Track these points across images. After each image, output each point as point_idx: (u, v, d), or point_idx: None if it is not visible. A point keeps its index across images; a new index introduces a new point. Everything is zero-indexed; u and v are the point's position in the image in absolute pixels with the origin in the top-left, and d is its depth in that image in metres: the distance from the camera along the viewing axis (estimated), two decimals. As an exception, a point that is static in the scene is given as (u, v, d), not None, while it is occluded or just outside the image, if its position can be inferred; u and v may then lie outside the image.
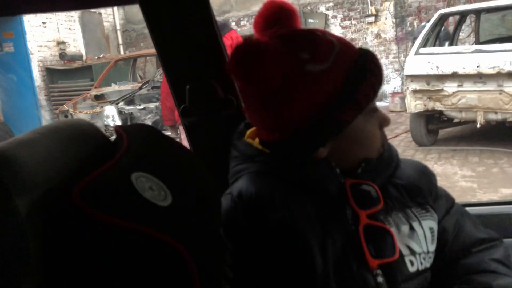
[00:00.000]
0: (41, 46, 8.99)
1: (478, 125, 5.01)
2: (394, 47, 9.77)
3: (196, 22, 0.97)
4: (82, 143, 0.66)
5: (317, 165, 0.80)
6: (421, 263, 0.83)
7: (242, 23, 10.49)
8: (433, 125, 5.60)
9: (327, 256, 0.76)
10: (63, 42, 9.37)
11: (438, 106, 5.18)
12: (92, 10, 10.12)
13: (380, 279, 0.78)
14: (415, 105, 5.32)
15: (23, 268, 0.49)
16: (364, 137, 0.82)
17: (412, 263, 0.83)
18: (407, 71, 5.33)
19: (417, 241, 0.84)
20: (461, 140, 5.77)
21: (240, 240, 0.76)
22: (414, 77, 5.23)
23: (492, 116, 4.92)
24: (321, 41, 0.78)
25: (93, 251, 0.52)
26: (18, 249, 0.49)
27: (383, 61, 9.80)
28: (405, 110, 5.94)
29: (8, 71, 8.51)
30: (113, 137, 0.73)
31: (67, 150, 0.62)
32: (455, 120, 5.56)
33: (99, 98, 7.39)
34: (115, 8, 10.93)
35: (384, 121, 0.84)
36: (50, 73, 9.05)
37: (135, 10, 11.14)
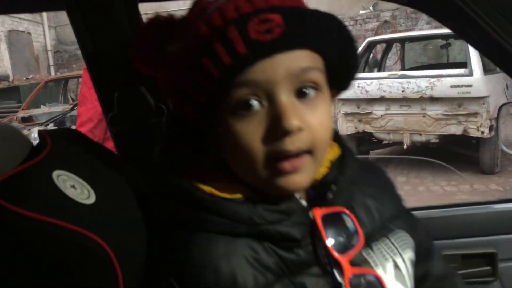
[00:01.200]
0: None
1: (405, 146, 5.28)
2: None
3: (125, 28, 0.96)
4: (2, 145, 0.63)
5: (280, 201, 0.61)
6: None
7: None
8: (363, 147, 5.84)
9: None
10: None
11: (368, 128, 5.42)
12: (21, 29, 9.71)
13: None
14: (346, 127, 5.53)
15: None
16: (234, 144, 0.59)
17: None
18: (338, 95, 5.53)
19: (404, 283, 0.68)
20: (389, 161, 6.05)
21: None
22: (345, 101, 5.45)
23: (417, 138, 5.22)
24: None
25: (11, 245, 0.51)
26: None
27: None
28: (338, 133, 6.14)
29: None
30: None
31: None
32: (384, 142, 5.84)
33: (26, 120, 7.04)
34: (46, 28, 10.57)
35: (275, 124, 0.57)
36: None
37: (68, 31, 10.82)
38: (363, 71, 5.82)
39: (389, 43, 6.61)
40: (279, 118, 0.56)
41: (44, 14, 9.87)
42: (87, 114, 2.36)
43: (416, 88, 5.01)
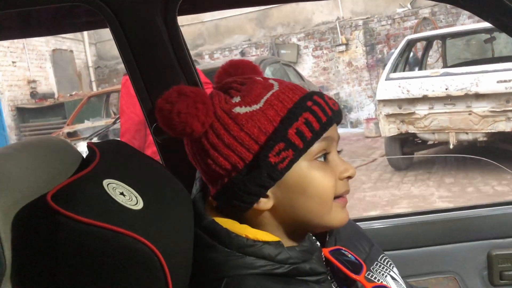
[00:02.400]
0: (11, 85, 8.88)
1: (451, 146, 5.09)
2: (365, 74, 9.99)
3: (165, 40, 0.98)
4: (54, 158, 0.69)
5: (300, 246, 0.74)
6: None
7: (215, 55, 10.60)
8: (408, 148, 5.68)
9: None
10: (34, 81, 9.27)
11: (411, 129, 5.26)
12: (63, 48, 10.08)
13: None
14: (388, 129, 5.39)
15: None
16: (311, 187, 0.71)
17: None
18: (379, 96, 5.43)
19: (403, 286, 0.86)
20: (436, 162, 5.86)
21: None
22: (386, 102, 5.32)
23: (464, 137, 5.02)
24: (257, 85, 0.74)
25: (67, 249, 0.54)
26: None
27: (355, 88, 10.00)
28: (380, 135, 6.02)
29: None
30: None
31: (40, 163, 0.65)
32: (429, 142, 5.65)
33: (72, 135, 7.28)
34: (87, 46, 10.93)
35: (343, 171, 0.73)
36: (21, 112, 8.91)
37: (108, 47, 11.16)
38: (403, 71, 5.67)
39: (429, 40, 6.41)
40: (347, 167, 0.74)
41: (85, 31, 10.20)
42: (125, 125, 2.46)
43: (460, 85, 4.83)
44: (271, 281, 0.68)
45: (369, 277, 0.79)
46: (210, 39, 10.79)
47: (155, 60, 0.97)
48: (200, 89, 0.74)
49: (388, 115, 5.32)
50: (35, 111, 8.85)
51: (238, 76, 0.79)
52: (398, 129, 5.32)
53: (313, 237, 0.78)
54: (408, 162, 5.78)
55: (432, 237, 1.20)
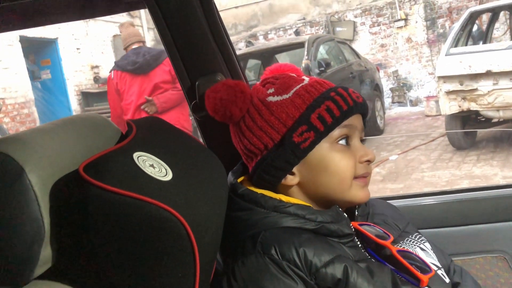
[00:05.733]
0: (76, 71, 9.31)
1: (518, 124, 4.81)
2: (426, 50, 9.59)
3: (201, 19, 1.00)
4: (94, 134, 0.73)
5: (329, 211, 0.83)
6: (445, 277, 0.88)
7: (269, 36, 10.55)
8: (470, 127, 5.41)
9: None
10: (96, 66, 9.67)
11: (474, 106, 5.00)
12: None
13: None
14: (449, 106, 5.16)
15: (38, 234, 0.56)
16: (331, 166, 0.82)
17: (444, 276, 0.87)
18: (439, 72, 5.19)
19: (434, 258, 0.90)
20: (500, 140, 5.56)
21: None
22: (446, 78, 5.08)
23: (532, 114, 4.72)
24: (290, 79, 0.86)
25: (95, 216, 0.58)
26: (32, 217, 0.56)
27: (415, 65, 9.62)
28: (441, 114, 5.78)
29: (47, 97, 8.84)
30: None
31: (80, 138, 0.69)
32: (494, 120, 5.36)
33: (132, 118, 7.55)
34: (145, 30, 11.22)
35: (363, 155, 0.83)
36: (86, 97, 9.34)
37: (165, 31, 11.35)
38: (466, 45, 5.38)
39: (495, 11, 6.02)
40: (366, 152, 0.84)
41: (143, 17, 10.47)
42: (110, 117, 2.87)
43: (529, 59, 4.52)
44: (302, 233, 0.78)
45: (396, 246, 0.85)
46: (264, 20, 10.74)
47: (193, 40, 1.00)
48: (242, 82, 0.88)
49: (449, 92, 5.08)
50: (98, 95, 9.24)
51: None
52: (460, 107, 5.07)
53: (341, 210, 0.85)
54: (470, 140, 5.51)
55: (482, 215, 1.15)
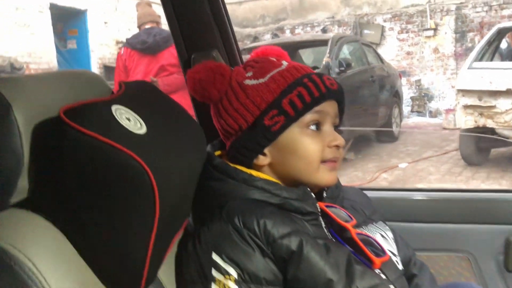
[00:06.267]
0: (101, 44, 9.43)
1: (532, 146, 4.74)
2: (452, 63, 9.47)
3: (205, 4, 1.04)
4: (86, 88, 0.78)
5: (296, 189, 0.87)
6: (399, 264, 0.93)
7: (296, 31, 10.53)
8: (483, 143, 5.35)
9: (338, 271, 0.80)
10: (121, 42, 9.78)
11: (490, 123, 4.95)
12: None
13: (383, 275, 0.84)
14: (465, 120, 5.11)
15: (17, 165, 0.62)
16: (300, 149, 0.86)
17: (398, 262, 0.92)
18: (459, 85, 5.15)
19: (392, 247, 0.94)
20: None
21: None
22: (465, 92, 5.04)
23: (548, 138, 4.65)
24: (268, 63, 0.90)
25: (72, 158, 0.63)
26: (13, 149, 0.61)
27: (439, 77, 9.51)
28: (459, 128, 5.73)
29: (70, 66, 8.97)
30: None
31: (71, 90, 0.74)
32: (509, 140, 5.29)
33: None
34: (175, 12, 11.29)
35: (331, 140, 0.86)
36: (107, 71, 9.45)
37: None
38: (491, 60, 5.31)
39: (525, 30, 5.92)
40: (336, 137, 0.87)
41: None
42: None
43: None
44: (266, 206, 0.82)
45: (357, 230, 0.88)
46: (293, 14, 10.71)
47: (192, 14, 1.04)
48: (223, 64, 0.91)
49: (466, 106, 5.03)
50: (120, 70, 9.37)
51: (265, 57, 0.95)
52: (475, 122, 5.02)
53: (309, 190, 0.88)
54: (483, 157, 5.45)
55: (451, 215, 1.18)
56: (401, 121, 7.66)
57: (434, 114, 9.47)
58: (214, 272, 0.77)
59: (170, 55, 3.40)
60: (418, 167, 5.49)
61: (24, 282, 0.57)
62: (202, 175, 0.86)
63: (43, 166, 0.64)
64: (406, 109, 9.16)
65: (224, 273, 0.76)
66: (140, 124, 0.71)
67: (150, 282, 0.71)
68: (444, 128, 8.06)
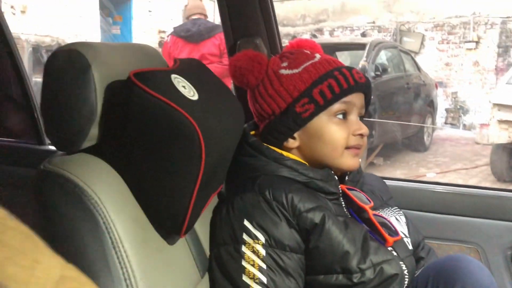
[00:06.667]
0: (144, 32, 9.69)
1: None
2: (492, 77, 9.30)
3: None
4: (147, 59, 0.89)
5: (321, 170, 0.95)
6: (409, 244, 1.02)
7: (335, 33, 10.53)
8: (516, 160, 5.29)
9: (355, 245, 0.89)
10: (163, 31, 10.02)
11: (524, 140, 4.90)
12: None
13: (394, 253, 0.93)
14: (499, 136, 5.07)
15: (91, 115, 0.74)
16: (326, 136, 0.93)
17: (408, 243, 1.01)
18: (495, 99, 5.11)
19: (404, 228, 1.03)
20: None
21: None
22: (501, 106, 5.00)
23: None
24: (302, 55, 0.98)
25: (136, 111, 0.74)
26: (89, 102, 0.73)
27: (477, 91, 9.36)
28: (492, 143, 5.66)
29: (112, 51, 9.26)
30: None
31: (135, 58, 0.86)
32: (543, 159, 5.21)
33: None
34: (216, 9, 11.47)
35: (356, 129, 0.94)
36: (148, 58, 9.73)
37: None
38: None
39: None
40: (361, 126, 0.95)
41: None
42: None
43: None
44: (294, 183, 0.91)
45: (374, 211, 0.97)
46: (333, 16, 10.72)
47: (243, 9, 1.15)
48: (261, 54, 1.01)
49: (501, 121, 4.99)
50: (160, 59, 9.59)
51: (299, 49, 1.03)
52: (510, 138, 4.98)
53: (333, 173, 0.97)
54: (513, 174, 5.39)
55: (464, 208, 1.25)
56: (433, 131, 7.60)
57: (468, 127, 9.32)
58: (245, 236, 0.87)
59: (211, 45, 3.55)
60: (446, 178, 5.46)
61: (90, 210, 0.70)
62: (238, 150, 0.96)
63: (112, 118, 0.76)
64: (440, 120, 9.06)
65: (254, 237, 0.86)
66: (193, 92, 0.82)
67: (189, 230, 0.82)
68: (477, 143, 7.94)
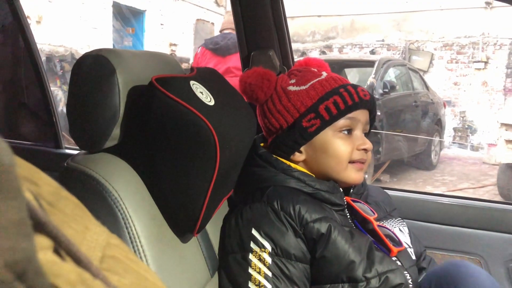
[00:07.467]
0: (156, 45, 9.83)
1: None
2: (500, 97, 9.31)
3: (268, 9, 1.20)
4: (167, 67, 0.95)
5: (327, 182, 0.99)
6: (413, 255, 1.05)
7: (344, 50, 10.62)
8: (523, 180, 5.28)
9: (360, 254, 0.92)
10: (174, 44, 10.16)
11: (532, 161, 4.90)
12: (206, 19, 10.85)
13: (399, 263, 0.96)
14: (506, 155, 5.07)
15: (114, 117, 0.78)
16: (331, 150, 0.97)
17: (412, 253, 1.04)
18: (503, 119, 5.12)
19: (407, 239, 1.07)
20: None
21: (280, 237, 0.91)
22: (508, 126, 5.00)
23: None
24: (310, 73, 1.02)
25: (157, 114, 0.79)
26: (113, 104, 0.77)
27: (485, 111, 9.36)
28: (500, 164, 5.66)
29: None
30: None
31: (156, 65, 0.91)
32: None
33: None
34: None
35: (360, 144, 0.98)
36: (159, 70, 9.84)
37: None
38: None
39: None
40: (365, 141, 0.99)
41: (228, 6, 10.85)
42: None
43: None
44: (301, 194, 0.95)
45: (378, 222, 1.00)
46: (343, 33, 10.82)
47: (256, 15, 1.20)
48: (270, 71, 1.04)
49: (509, 141, 5.00)
50: (170, 71, 9.70)
51: (307, 67, 1.07)
52: (517, 158, 4.98)
53: (338, 185, 1.00)
54: (520, 195, 5.37)
55: (467, 220, 1.27)
56: (440, 150, 7.60)
57: (475, 147, 9.30)
58: (252, 245, 0.90)
59: (237, 59, 3.62)
60: (452, 196, 5.45)
61: (110, 206, 0.74)
62: (248, 161, 1.01)
63: (133, 120, 0.80)
64: (447, 139, 9.06)
65: (261, 246, 0.90)
66: (210, 98, 0.87)
67: (201, 229, 0.86)
68: (485, 163, 7.92)
